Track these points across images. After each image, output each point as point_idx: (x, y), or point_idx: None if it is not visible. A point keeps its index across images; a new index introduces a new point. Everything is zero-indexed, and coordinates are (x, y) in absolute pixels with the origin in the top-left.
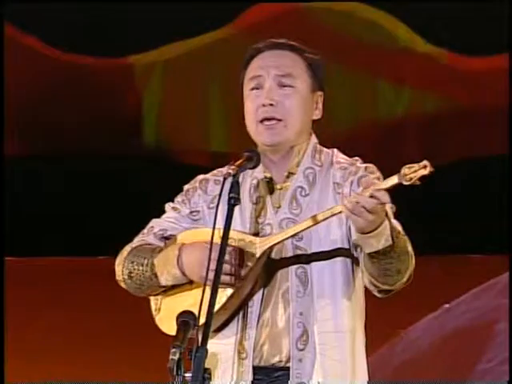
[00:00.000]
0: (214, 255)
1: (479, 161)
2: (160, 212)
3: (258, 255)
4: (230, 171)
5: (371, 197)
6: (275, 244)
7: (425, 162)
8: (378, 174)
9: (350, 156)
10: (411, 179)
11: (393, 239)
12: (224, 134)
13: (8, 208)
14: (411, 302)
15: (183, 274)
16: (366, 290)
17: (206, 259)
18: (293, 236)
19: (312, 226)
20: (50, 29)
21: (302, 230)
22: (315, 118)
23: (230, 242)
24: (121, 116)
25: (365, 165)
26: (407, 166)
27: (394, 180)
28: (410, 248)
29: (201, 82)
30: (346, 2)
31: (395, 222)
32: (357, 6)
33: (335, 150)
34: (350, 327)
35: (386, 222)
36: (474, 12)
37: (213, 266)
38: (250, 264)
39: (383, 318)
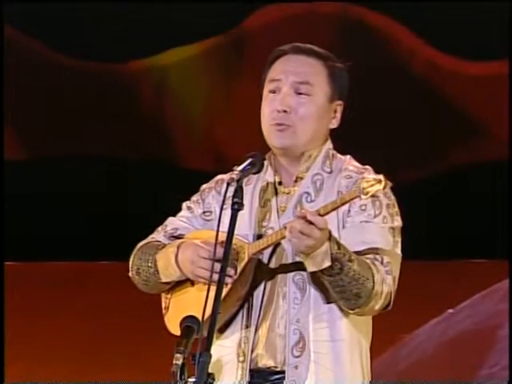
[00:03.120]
0: (205, 253)
1: (480, 166)
2: (164, 216)
3: (245, 261)
4: (234, 176)
5: (309, 222)
6: (259, 251)
7: (380, 177)
8: (368, 178)
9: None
10: (368, 193)
11: (340, 261)
12: (228, 138)
13: (8, 211)
14: (415, 307)
15: (180, 270)
16: None
17: (196, 257)
18: (273, 244)
19: (281, 238)
20: (53, 32)
21: (282, 238)
22: (332, 126)
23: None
24: (123, 119)
25: (372, 175)
26: (365, 179)
27: (354, 193)
28: (378, 276)
29: (206, 85)
30: (349, 5)
31: (375, 246)
32: (361, 10)
33: (348, 156)
34: (346, 336)
35: (326, 245)
36: (474, 16)
37: (204, 264)
38: (239, 268)
39: (387, 323)
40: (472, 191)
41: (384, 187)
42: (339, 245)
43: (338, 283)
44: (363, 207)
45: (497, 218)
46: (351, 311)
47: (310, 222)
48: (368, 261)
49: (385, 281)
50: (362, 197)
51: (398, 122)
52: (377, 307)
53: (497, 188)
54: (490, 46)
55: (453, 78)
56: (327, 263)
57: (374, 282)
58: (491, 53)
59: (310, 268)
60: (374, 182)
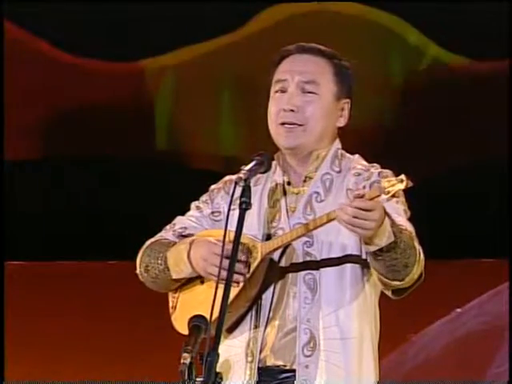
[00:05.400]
0: (219, 251)
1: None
2: (171, 216)
3: (258, 260)
4: (241, 176)
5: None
6: (273, 250)
7: (401, 177)
8: (390, 178)
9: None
10: (389, 192)
11: (395, 235)
12: (235, 139)
13: (9, 211)
14: (423, 307)
15: (192, 267)
16: (380, 296)
17: (209, 255)
18: (288, 243)
19: (304, 234)
20: (60, 32)
21: (298, 237)
22: (340, 125)
23: None
24: (132, 120)
25: (379, 170)
26: (387, 179)
27: (375, 192)
28: (416, 243)
29: (213, 86)
30: (354, 3)
31: (402, 221)
32: (364, 9)
33: (357, 155)
34: (357, 334)
35: (386, 220)
36: (476, 15)
37: (217, 261)
38: (252, 268)
39: (395, 323)
40: (474, 189)
41: (406, 186)
42: (392, 219)
43: (391, 257)
44: None
45: (499, 218)
46: (396, 283)
47: (366, 210)
48: (406, 231)
49: (420, 249)
50: (383, 196)
51: (398, 121)
52: (416, 275)
53: (496, 186)
54: (492, 45)
55: (456, 76)
56: (392, 238)
57: (415, 250)
58: (493, 52)
59: (373, 247)
60: (395, 181)
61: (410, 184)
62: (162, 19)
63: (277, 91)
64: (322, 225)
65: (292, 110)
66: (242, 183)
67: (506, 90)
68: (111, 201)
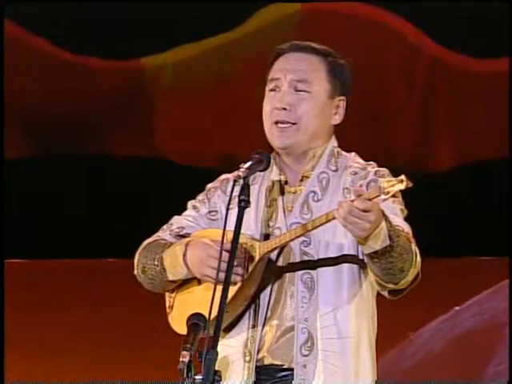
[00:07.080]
0: (215, 253)
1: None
2: (170, 214)
3: (256, 260)
4: (240, 174)
5: (362, 210)
6: (271, 250)
7: (402, 177)
8: (389, 178)
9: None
10: (389, 192)
11: (392, 239)
12: (234, 136)
13: (10, 210)
14: (422, 305)
15: (188, 269)
16: (377, 294)
17: (205, 257)
18: (286, 243)
19: (303, 234)
20: (59, 30)
21: (297, 237)
22: (334, 122)
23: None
24: (130, 118)
25: (376, 169)
26: (386, 179)
27: (375, 193)
28: (413, 247)
29: (211, 83)
30: (353, 2)
31: (400, 221)
32: (365, 8)
33: (353, 153)
34: (354, 333)
35: (383, 224)
36: (476, 14)
37: (213, 263)
38: (250, 267)
39: (394, 321)
40: (475, 188)
41: (406, 187)
42: (390, 222)
43: (387, 260)
44: None
45: (499, 217)
46: (391, 285)
47: (363, 210)
48: (403, 233)
49: (417, 251)
50: (383, 196)
51: (398, 121)
52: (411, 277)
53: (497, 185)
54: (492, 45)
55: (457, 75)
56: (387, 242)
57: (412, 254)
58: (493, 51)
59: (368, 249)
60: (395, 181)
61: (410, 184)
62: (162, 18)
63: (270, 90)
64: (320, 225)
65: (284, 109)
66: (240, 181)
67: (506, 89)
68: (111, 199)
